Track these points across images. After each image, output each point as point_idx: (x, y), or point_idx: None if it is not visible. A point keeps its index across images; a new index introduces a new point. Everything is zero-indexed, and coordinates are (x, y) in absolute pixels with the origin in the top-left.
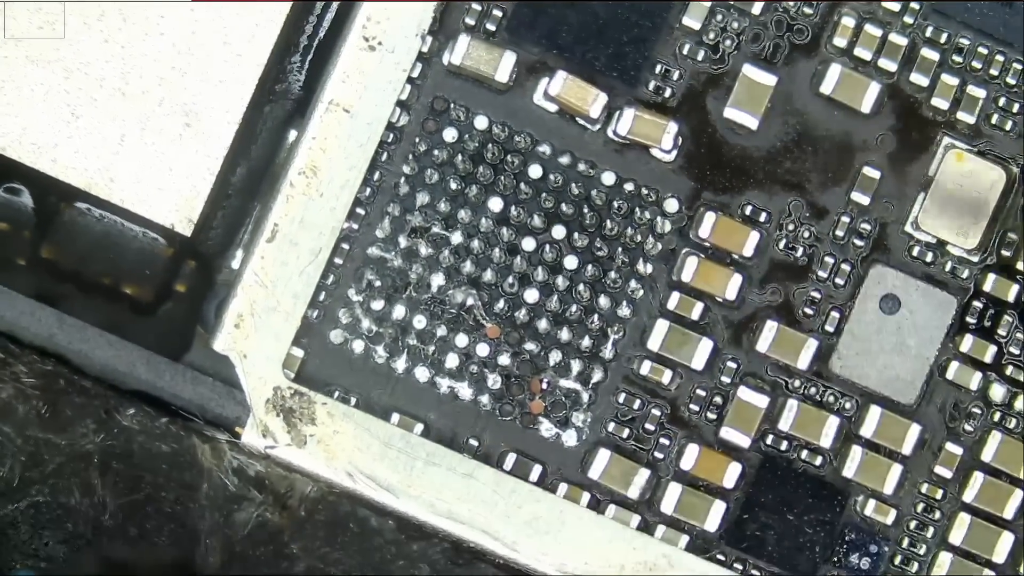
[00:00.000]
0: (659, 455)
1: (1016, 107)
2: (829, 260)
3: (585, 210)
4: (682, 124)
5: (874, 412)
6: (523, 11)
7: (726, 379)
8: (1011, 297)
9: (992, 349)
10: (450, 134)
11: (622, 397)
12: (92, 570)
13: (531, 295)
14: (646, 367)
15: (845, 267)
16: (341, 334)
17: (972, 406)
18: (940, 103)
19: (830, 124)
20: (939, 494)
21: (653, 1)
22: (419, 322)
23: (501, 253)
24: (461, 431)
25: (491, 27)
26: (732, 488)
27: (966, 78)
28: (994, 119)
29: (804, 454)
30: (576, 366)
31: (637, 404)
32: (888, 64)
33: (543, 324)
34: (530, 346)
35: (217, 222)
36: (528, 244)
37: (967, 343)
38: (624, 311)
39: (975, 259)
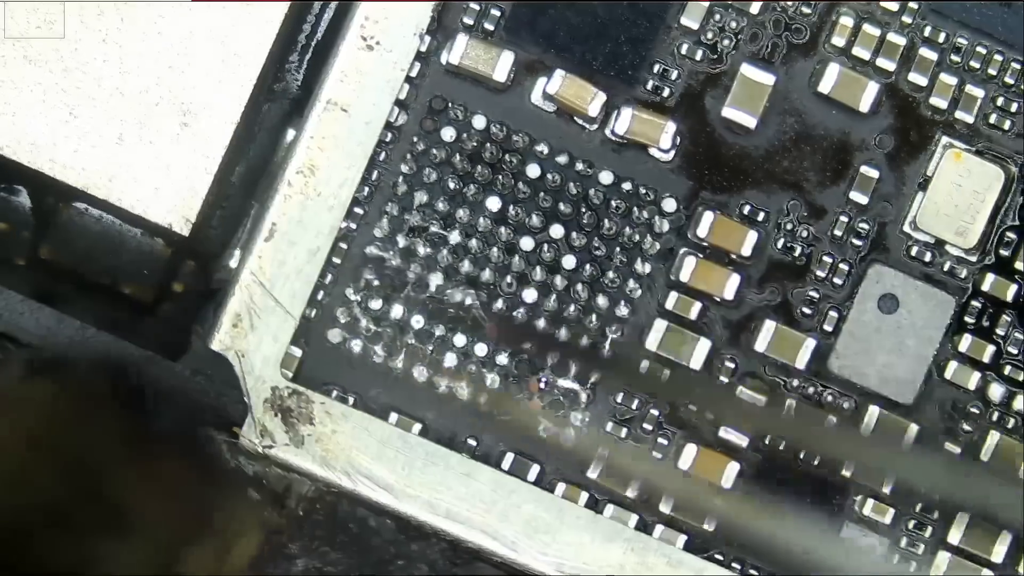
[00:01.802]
0: (657, 455)
1: (1014, 106)
2: (827, 259)
3: (583, 209)
4: (680, 123)
5: (872, 412)
6: (521, 10)
7: (724, 379)
8: (1009, 297)
9: (991, 349)
10: (448, 133)
11: (620, 396)
12: None
13: (529, 294)
14: (644, 367)
15: (843, 267)
16: (339, 333)
17: (971, 406)
18: (938, 102)
19: (828, 123)
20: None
21: (651, 1)
22: (417, 321)
23: (499, 252)
24: (459, 431)
25: (489, 26)
26: (730, 488)
27: (964, 77)
28: (992, 118)
29: (802, 454)
30: (574, 366)
31: (635, 403)
32: (886, 63)
33: (541, 323)
34: (528, 345)
35: (215, 222)
36: (526, 243)
37: (966, 343)
38: (622, 311)
39: (973, 259)
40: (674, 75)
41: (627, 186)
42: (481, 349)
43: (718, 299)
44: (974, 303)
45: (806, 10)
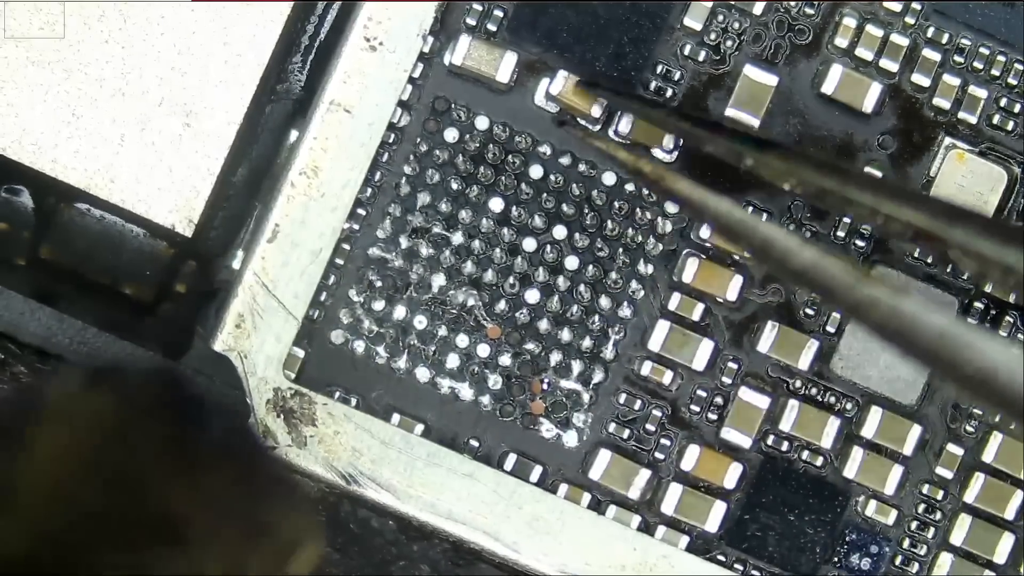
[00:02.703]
0: (660, 456)
1: (1017, 107)
2: None
3: (586, 210)
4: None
5: (875, 413)
6: (524, 11)
7: (727, 380)
8: (1012, 298)
9: None
10: (451, 134)
11: (623, 398)
12: None
13: (532, 295)
14: (647, 368)
15: None
16: (342, 334)
17: (973, 407)
18: (941, 103)
19: (831, 124)
20: (940, 495)
21: (654, 1)
22: (420, 322)
23: (502, 253)
24: (462, 432)
25: (492, 27)
26: (733, 489)
27: (967, 78)
28: (996, 119)
29: (805, 455)
30: (577, 367)
31: (638, 405)
32: (889, 64)
33: (544, 325)
34: (531, 347)
35: (218, 222)
36: (529, 244)
37: None
38: (625, 312)
39: None
40: (677, 76)
41: (630, 187)
42: (484, 350)
43: (721, 300)
44: (977, 304)
45: (809, 11)
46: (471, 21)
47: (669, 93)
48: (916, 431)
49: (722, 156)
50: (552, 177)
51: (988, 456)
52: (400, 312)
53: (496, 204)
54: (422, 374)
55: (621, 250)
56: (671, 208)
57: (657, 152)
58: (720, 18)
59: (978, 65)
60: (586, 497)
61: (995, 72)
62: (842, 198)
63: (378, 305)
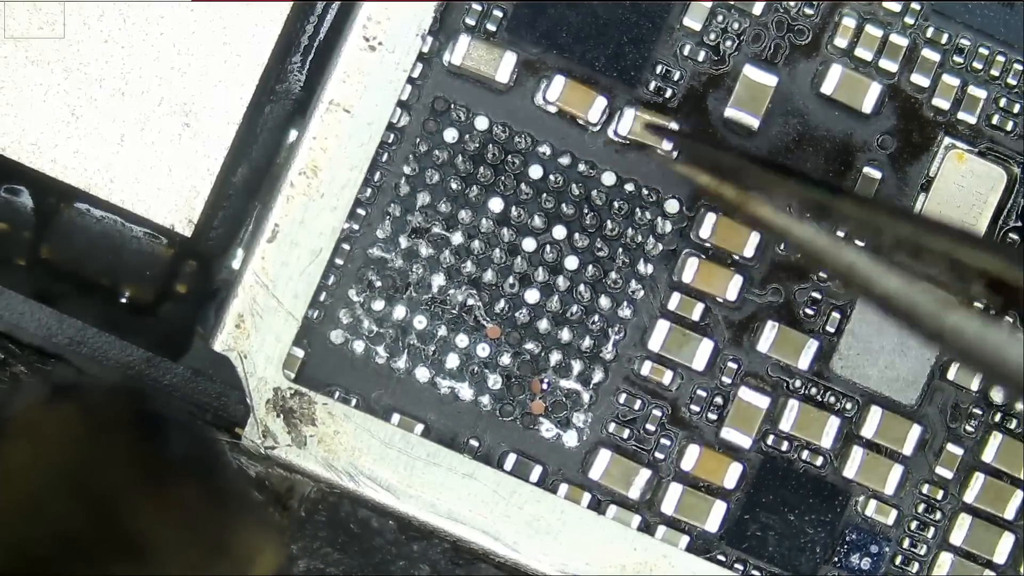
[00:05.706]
0: (660, 455)
1: (1017, 107)
2: None
3: (586, 210)
4: (683, 124)
5: (875, 412)
6: (523, 11)
7: (727, 379)
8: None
9: None
10: (451, 134)
11: (623, 397)
12: None
13: (532, 295)
14: (647, 367)
15: None
16: (342, 334)
17: (973, 407)
18: (941, 103)
19: (831, 124)
20: (940, 494)
21: (654, 1)
22: (420, 322)
23: (502, 253)
24: (461, 431)
25: (491, 27)
26: (733, 488)
27: (967, 79)
28: (995, 119)
29: (805, 454)
30: (577, 366)
31: (638, 404)
32: (889, 64)
33: (544, 324)
34: (531, 346)
35: (217, 222)
36: (529, 244)
37: None
38: (625, 311)
39: None
40: (677, 76)
41: (630, 187)
42: (483, 350)
43: (720, 300)
44: (976, 304)
45: (808, 11)
46: (470, 21)
47: (669, 93)
48: (916, 431)
49: (794, 202)
50: (552, 177)
51: (988, 456)
52: (400, 312)
53: (496, 204)
54: (422, 374)
55: (621, 250)
56: (671, 208)
57: (658, 153)
58: (720, 18)
59: (977, 65)
60: (586, 497)
61: (994, 72)
62: (916, 246)
63: (378, 305)
